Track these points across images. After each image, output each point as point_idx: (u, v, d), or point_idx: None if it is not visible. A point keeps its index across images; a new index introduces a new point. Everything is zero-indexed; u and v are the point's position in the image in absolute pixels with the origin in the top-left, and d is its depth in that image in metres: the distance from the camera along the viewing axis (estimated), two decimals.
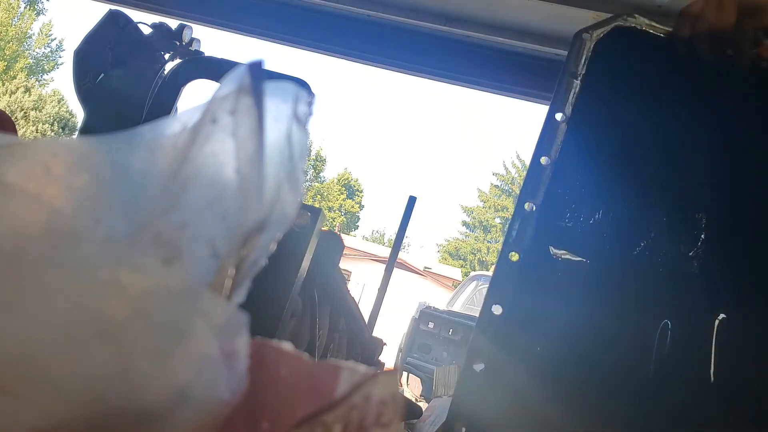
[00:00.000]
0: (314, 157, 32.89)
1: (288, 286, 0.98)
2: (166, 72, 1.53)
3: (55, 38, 25.37)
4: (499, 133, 54.46)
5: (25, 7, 24.01)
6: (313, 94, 0.41)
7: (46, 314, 0.28)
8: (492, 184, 31.34)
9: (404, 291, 14.00)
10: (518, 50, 2.36)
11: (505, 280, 0.85)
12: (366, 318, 2.32)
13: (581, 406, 0.78)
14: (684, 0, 0.93)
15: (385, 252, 18.36)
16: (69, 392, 0.28)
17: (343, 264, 1.56)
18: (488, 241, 30.38)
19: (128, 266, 0.31)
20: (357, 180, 35.11)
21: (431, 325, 4.85)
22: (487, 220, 30.61)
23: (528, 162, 0.95)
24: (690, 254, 0.81)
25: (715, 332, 0.77)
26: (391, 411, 0.34)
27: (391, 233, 33.85)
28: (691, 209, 0.85)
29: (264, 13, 2.48)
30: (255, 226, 0.38)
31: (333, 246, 1.29)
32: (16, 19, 23.64)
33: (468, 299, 6.36)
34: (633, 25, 0.97)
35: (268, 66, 0.39)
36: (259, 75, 0.38)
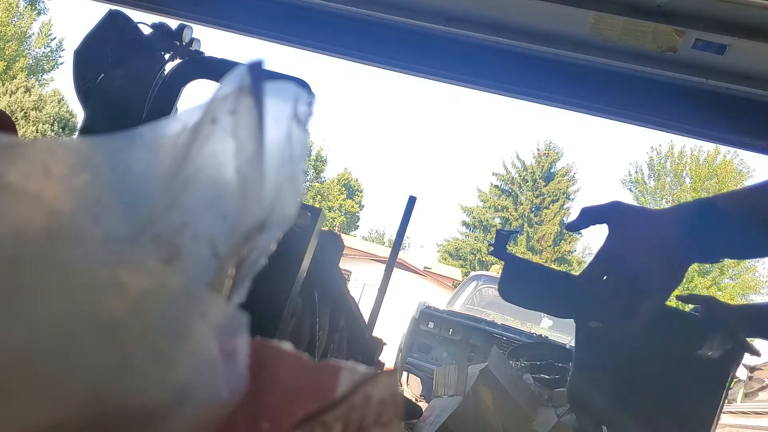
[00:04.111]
0: (315, 157, 32.88)
1: (288, 286, 0.98)
2: (166, 72, 1.53)
3: (55, 38, 25.36)
4: (499, 133, 54.45)
5: (24, 7, 23.98)
6: (313, 94, 0.41)
7: (45, 314, 0.28)
8: (492, 184, 31.35)
9: (404, 291, 14.00)
10: (518, 50, 2.36)
11: None
12: (366, 318, 2.32)
13: None
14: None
15: (385, 252, 18.34)
16: (69, 392, 0.28)
17: (343, 264, 1.56)
18: (488, 241, 30.30)
19: (128, 266, 0.31)
20: (357, 180, 35.11)
21: (431, 325, 4.85)
22: (487, 220, 30.60)
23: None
24: None
25: None
26: (391, 411, 0.34)
27: (391, 233, 33.86)
28: None
29: (264, 13, 2.48)
30: (255, 226, 0.38)
31: (333, 246, 1.29)
32: (15, 19, 23.62)
33: (468, 299, 6.35)
34: None
35: (268, 66, 0.39)
36: (259, 75, 0.38)
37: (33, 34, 24.64)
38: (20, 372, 0.28)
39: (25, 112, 21.69)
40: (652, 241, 0.78)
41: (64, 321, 0.29)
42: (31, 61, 24.83)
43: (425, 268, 19.64)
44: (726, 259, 0.87)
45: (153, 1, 2.56)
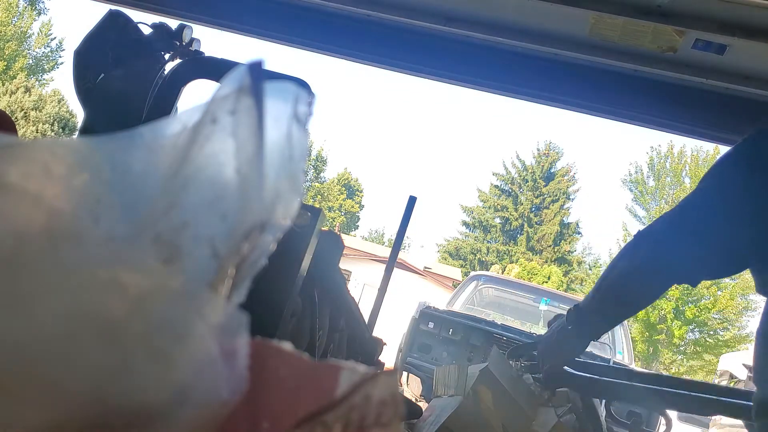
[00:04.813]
0: (315, 158, 32.87)
1: (288, 286, 0.98)
2: (166, 72, 1.53)
3: (55, 38, 25.34)
4: (499, 133, 54.44)
5: (24, 7, 23.96)
6: (313, 94, 0.41)
7: (46, 314, 0.28)
8: (492, 184, 31.35)
9: (404, 291, 13.99)
10: (518, 50, 2.36)
11: None
12: (366, 318, 2.32)
13: None
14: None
15: (385, 252, 18.33)
16: (69, 392, 0.28)
17: (343, 264, 1.56)
18: (488, 241, 30.37)
19: (128, 266, 0.31)
20: (357, 180, 35.12)
21: (431, 325, 4.84)
22: (487, 220, 30.60)
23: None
24: None
25: None
26: (391, 411, 0.34)
27: (391, 233, 33.86)
28: None
29: (264, 13, 2.48)
30: (255, 226, 0.38)
31: (333, 246, 1.29)
32: (15, 19, 23.61)
33: (468, 299, 6.34)
34: None
35: (268, 66, 0.39)
36: (259, 75, 0.38)
37: (33, 34, 24.64)
38: (21, 372, 0.28)
39: (25, 112, 21.68)
40: (546, 344, 1.63)
41: (64, 321, 0.29)
42: (31, 61, 24.81)
43: (425, 268, 19.63)
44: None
45: (153, 1, 2.57)
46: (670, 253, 1.31)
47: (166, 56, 1.54)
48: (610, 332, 5.91)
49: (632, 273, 1.37)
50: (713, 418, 5.37)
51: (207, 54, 1.61)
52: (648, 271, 1.35)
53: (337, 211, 32.76)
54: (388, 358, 3.21)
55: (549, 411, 2.00)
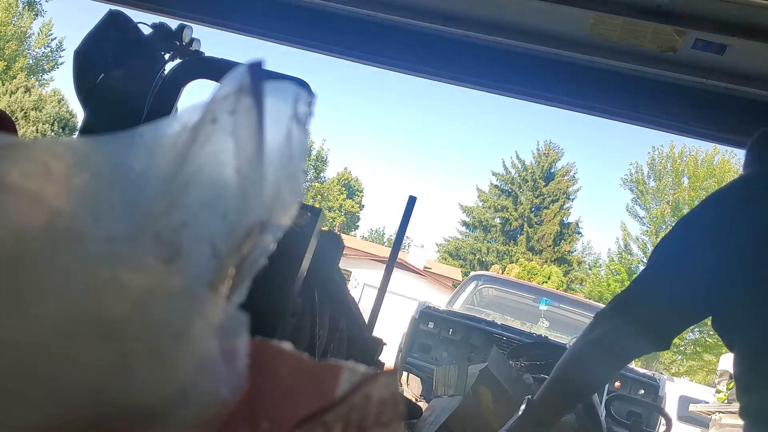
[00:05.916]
0: (314, 157, 32.86)
1: (288, 286, 0.98)
2: (166, 72, 1.53)
3: (55, 38, 25.33)
4: (498, 133, 54.41)
5: (23, 7, 23.95)
6: (313, 94, 0.41)
7: (46, 314, 0.28)
8: (492, 183, 31.36)
9: (404, 291, 13.99)
10: (518, 50, 2.36)
11: None
12: (366, 318, 2.32)
13: None
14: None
15: (385, 252, 18.33)
16: (70, 391, 0.28)
17: (343, 264, 1.56)
18: (488, 241, 30.37)
19: (128, 266, 0.31)
20: (357, 180, 35.12)
21: (431, 325, 4.84)
22: (487, 220, 30.60)
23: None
24: None
25: None
26: (391, 410, 0.35)
27: (391, 233, 33.86)
28: None
29: (264, 13, 2.48)
30: (255, 226, 0.38)
31: (333, 246, 1.29)
32: (15, 19, 23.61)
33: (468, 299, 6.34)
34: None
35: (268, 66, 0.39)
36: (259, 75, 0.38)
37: (33, 34, 24.63)
38: (21, 371, 0.28)
39: (25, 112, 21.65)
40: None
41: (64, 320, 0.29)
42: (31, 61, 24.80)
43: (425, 268, 19.63)
44: None
45: (153, 1, 2.56)
46: (632, 323, 1.30)
47: (166, 56, 1.54)
48: None
49: (593, 348, 1.33)
50: (713, 417, 5.36)
51: (207, 54, 1.61)
52: (609, 342, 1.32)
53: (337, 211, 32.76)
54: (388, 358, 3.21)
55: None
